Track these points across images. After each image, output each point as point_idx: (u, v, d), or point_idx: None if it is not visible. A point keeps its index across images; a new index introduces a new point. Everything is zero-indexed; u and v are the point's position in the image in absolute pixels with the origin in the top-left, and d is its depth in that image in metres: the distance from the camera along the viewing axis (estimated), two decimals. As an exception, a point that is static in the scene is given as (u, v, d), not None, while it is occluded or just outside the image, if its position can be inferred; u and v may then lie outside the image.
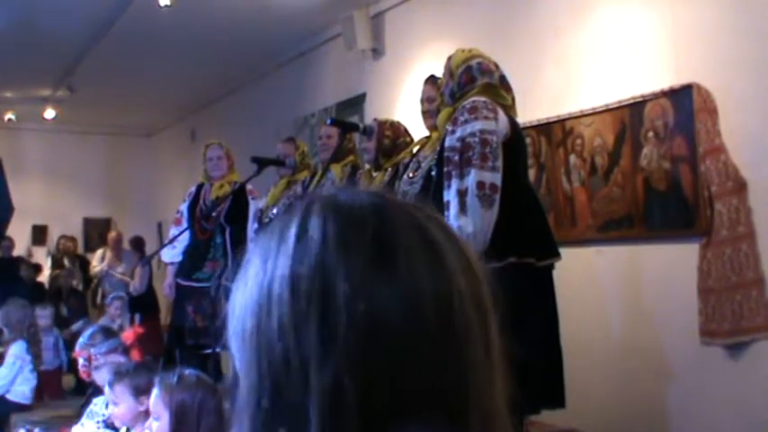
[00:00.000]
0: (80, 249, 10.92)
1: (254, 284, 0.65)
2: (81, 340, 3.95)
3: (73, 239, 10.49)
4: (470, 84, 3.36)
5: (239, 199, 5.16)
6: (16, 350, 5.51)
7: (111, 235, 9.75)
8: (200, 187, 5.38)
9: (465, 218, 3.09)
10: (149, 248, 9.46)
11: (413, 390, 0.61)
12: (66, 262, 9.85)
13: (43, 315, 6.48)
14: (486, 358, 0.65)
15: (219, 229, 5.12)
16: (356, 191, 0.70)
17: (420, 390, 0.61)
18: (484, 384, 0.64)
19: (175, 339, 5.21)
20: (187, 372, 2.52)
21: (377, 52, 6.46)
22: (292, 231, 0.65)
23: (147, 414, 2.67)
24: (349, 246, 0.63)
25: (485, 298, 0.67)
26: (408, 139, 4.30)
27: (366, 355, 0.60)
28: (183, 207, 5.39)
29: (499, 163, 3.15)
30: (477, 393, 0.63)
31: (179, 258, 5.29)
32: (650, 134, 4.05)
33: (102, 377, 3.64)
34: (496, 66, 3.46)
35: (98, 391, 3.69)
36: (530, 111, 4.50)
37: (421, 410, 0.61)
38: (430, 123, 3.91)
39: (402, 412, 0.61)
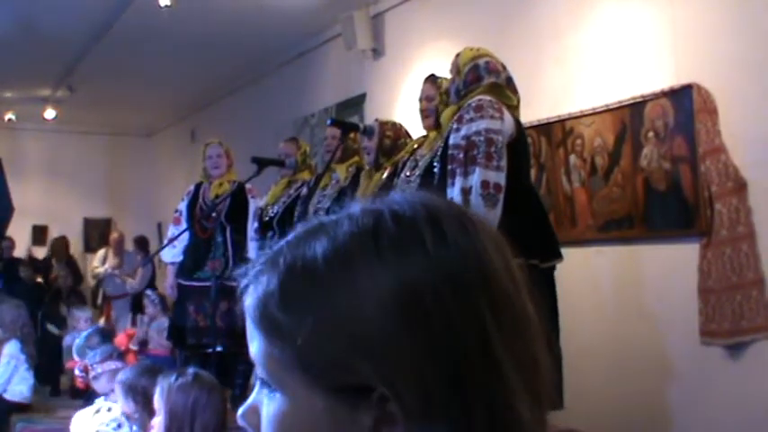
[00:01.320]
0: (80, 249, 10.93)
1: (384, 294, 0.62)
2: (78, 344, 3.94)
3: (62, 239, 10.42)
4: (477, 82, 3.36)
5: (239, 198, 5.16)
6: (10, 350, 5.53)
7: (113, 236, 9.73)
8: (198, 186, 5.38)
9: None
10: (152, 248, 9.46)
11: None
12: (53, 263, 9.81)
13: (82, 317, 6.09)
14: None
15: (220, 228, 5.12)
16: (427, 196, 0.71)
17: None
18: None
19: (177, 339, 5.21)
20: (189, 371, 2.55)
21: (377, 52, 6.46)
22: (426, 236, 0.64)
23: (149, 414, 2.71)
24: (488, 242, 0.68)
25: None
26: (409, 140, 4.30)
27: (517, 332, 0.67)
28: (182, 206, 5.39)
29: (503, 162, 3.15)
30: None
31: (179, 258, 5.29)
32: (650, 134, 4.05)
33: (101, 385, 3.63)
34: (504, 67, 3.46)
35: (94, 396, 3.68)
36: (530, 111, 4.49)
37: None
38: (428, 122, 3.92)
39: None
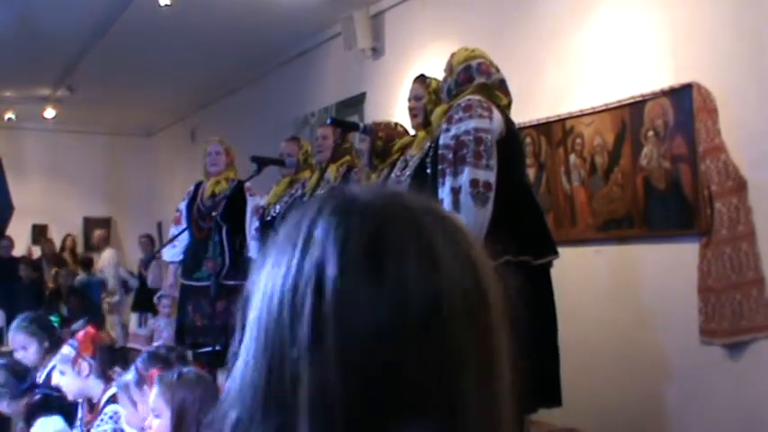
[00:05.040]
0: (80, 248, 10.93)
1: (267, 281, 0.67)
2: None
3: (49, 240, 10.41)
4: (468, 83, 3.37)
5: (237, 197, 5.15)
6: None
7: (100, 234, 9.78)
8: (198, 186, 5.38)
9: (458, 216, 3.08)
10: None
11: (396, 391, 0.62)
12: (43, 264, 9.78)
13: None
14: (481, 359, 0.65)
15: (217, 228, 5.11)
16: (376, 189, 0.70)
17: (403, 391, 0.62)
18: (474, 386, 0.64)
19: (180, 338, 5.22)
20: (186, 369, 2.51)
21: (377, 52, 6.46)
22: (302, 231, 0.66)
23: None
24: (342, 248, 0.64)
25: (487, 299, 0.67)
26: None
27: (351, 356, 0.62)
28: (182, 206, 5.39)
29: (493, 161, 3.15)
30: (465, 395, 0.63)
31: (179, 257, 5.30)
32: (650, 133, 4.05)
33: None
34: (497, 69, 3.46)
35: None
36: (530, 111, 4.50)
37: (404, 411, 0.62)
38: (416, 122, 3.93)
39: (387, 413, 0.62)
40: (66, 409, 3.30)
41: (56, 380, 3.16)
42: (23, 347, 3.70)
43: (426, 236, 0.65)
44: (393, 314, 0.62)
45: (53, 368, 3.42)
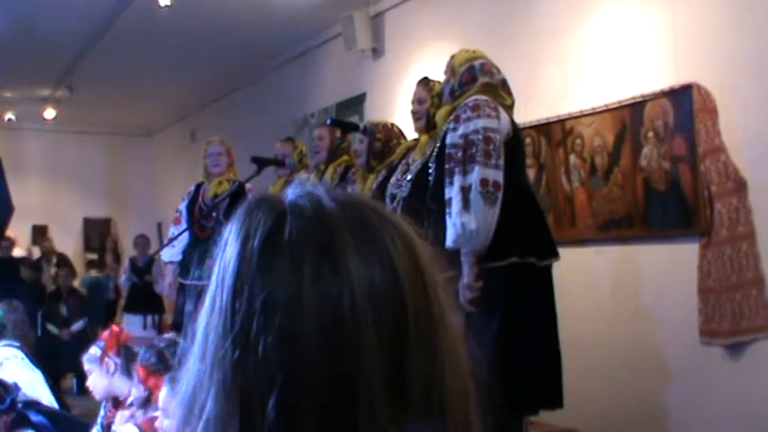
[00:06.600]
0: (80, 249, 10.93)
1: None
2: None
3: (48, 241, 10.38)
4: (471, 83, 3.37)
5: (238, 197, 5.14)
6: None
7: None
8: (199, 186, 5.38)
9: (468, 215, 3.08)
10: (151, 249, 9.43)
11: (295, 388, 0.61)
12: (43, 264, 9.74)
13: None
14: (389, 361, 0.62)
15: (219, 228, 5.10)
16: (298, 189, 0.69)
17: (301, 389, 0.61)
18: (379, 390, 0.62)
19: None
20: None
21: (377, 52, 6.47)
22: (221, 239, 0.69)
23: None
24: (242, 248, 0.65)
25: (404, 298, 0.64)
26: (403, 140, 4.30)
27: (257, 351, 0.62)
28: (182, 206, 5.39)
29: (501, 161, 3.16)
30: (368, 397, 0.61)
31: (178, 257, 5.29)
32: (650, 134, 4.05)
33: None
34: (498, 70, 3.46)
35: None
36: (530, 111, 4.50)
37: (300, 407, 0.61)
38: (418, 125, 3.92)
39: (288, 408, 0.61)
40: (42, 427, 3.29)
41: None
42: None
43: (331, 235, 0.64)
44: (288, 312, 0.61)
45: None
